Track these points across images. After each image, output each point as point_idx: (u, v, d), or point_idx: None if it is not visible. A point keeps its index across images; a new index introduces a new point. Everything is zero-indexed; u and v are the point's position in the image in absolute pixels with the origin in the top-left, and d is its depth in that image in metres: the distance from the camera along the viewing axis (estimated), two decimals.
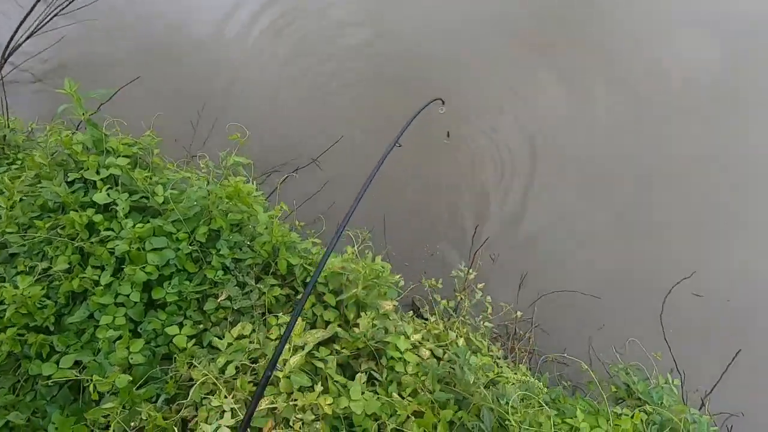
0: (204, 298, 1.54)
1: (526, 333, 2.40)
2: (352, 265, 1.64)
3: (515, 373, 1.69)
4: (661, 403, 1.59)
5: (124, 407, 1.21)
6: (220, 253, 1.57)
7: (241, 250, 1.61)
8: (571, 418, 1.38)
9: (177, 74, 3.79)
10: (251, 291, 1.55)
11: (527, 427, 1.22)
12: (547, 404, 1.50)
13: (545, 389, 1.65)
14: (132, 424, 1.19)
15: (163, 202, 1.63)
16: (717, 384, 2.01)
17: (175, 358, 1.35)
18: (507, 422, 1.25)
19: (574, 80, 3.78)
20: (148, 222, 1.57)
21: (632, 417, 1.58)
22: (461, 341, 1.75)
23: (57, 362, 1.33)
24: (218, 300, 1.52)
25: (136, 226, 1.51)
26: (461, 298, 2.06)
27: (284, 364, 1.26)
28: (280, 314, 1.50)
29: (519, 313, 2.32)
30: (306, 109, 3.87)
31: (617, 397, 1.70)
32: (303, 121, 3.74)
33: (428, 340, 1.68)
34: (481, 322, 2.06)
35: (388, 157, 1.47)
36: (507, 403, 1.31)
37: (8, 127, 2.33)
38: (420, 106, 1.72)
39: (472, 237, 2.50)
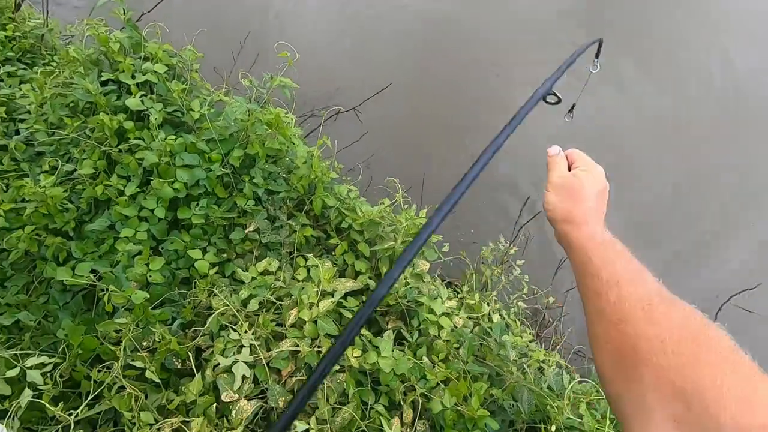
0: (231, 227, 1.43)
1: (554, 321, 2.26)
2: (393, 215, 1.51)
3: (550, 358, 1.57)
4: None
5: (137, 325, 1.13)
6: (254, 181, 1.44)
7: (275, 181, 1.49)
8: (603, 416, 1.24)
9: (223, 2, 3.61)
10: (281, 227, 1.43)
11: (570, 416, 1.10)
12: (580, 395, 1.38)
13: (576, 379, 1.52)
14: (144, 343, 1.11)
15: (198, 119, 1.51)
16: None
17: (195, 283, 1.26)
18: (548, 406, 1.12)
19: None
20: (181, 137, 1.44)
21: None
22: (496, 317, 1.62)
23: (73, 268, 1.25)
24: (246, 231, 1.41)
25: (168, 138, 1.39)
26: (500, 272, 1.92)
27: (311, 308, 1.14)
28: (310, 255, 1.38)
29: (552, 299, 2.18)
30: (351, 55, 3.67)
31: None
32: (346, 67, 3.56)
33: (461, 310, 1.56)
34: (515, 301, 1.92)
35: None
36: (549, 387, 1.19)
37: (47, 26, 2.21)
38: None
39: (520, 209, 2.33)
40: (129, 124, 1.44)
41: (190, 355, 1.05)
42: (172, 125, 1.56)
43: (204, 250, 1.35)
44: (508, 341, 1.40)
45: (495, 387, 1.23)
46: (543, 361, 1.39)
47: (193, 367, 1.05)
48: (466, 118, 3.32)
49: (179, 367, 1.11)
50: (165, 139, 1.40)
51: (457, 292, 1.78)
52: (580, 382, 1.46)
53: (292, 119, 1.65)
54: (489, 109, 3.33)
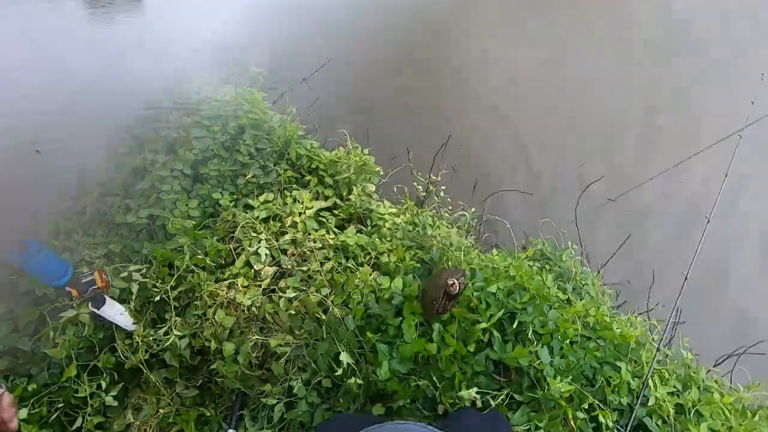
0: (236, 176, 2.07)
1: (477, 225, 3.05)
2: (346, 156, 2.18)
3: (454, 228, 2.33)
4: (561, 259, 2.27)
5: (191, 243, 1.79)
6: (246, 142, 2.08)
7: (261, 141, 2.12)
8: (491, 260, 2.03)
9: None
10: (270, 171, 2.09)
11: (464, 258, 1.86)
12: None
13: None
14: (198, 250, 1.77)
15: (199, 102, 2.10)
16: (611, 258, 2.73)
17: (221, 211, 1.91)
18: (447, 257, 1.88)
19: None
20: (188, 117, 2.04)
21: (540, 270, 2.26)
22: (429, 219, 2.36)
23: (135, 214, 1.87)
24: (246, 177, 2.05)
25: (183, 118, 2.00)
26: (431, 189, 2.65)
27: (300, 215, 1.84)
28: (294, 187, 2.05)
29: (473, 209, 2.95)
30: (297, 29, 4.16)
31: (532, 258, 2.37)
32: (293, 41, 4.06)
33: (403, 215, 2.28)
34: (444, 212, 2.68)
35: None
36: (450, 244, 1.95)
37: None
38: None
39: (439, 151, 3.04)
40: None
41: (231, 250, 1.73)
42: (177, 110, 2.14)
43: (221, 193, 2.00)
44: (429, 228, 2.15)
45: (421, 251, 1.97)
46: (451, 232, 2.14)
47: (234, 257, 1.73)
48: (403, 79, 3.95)
49: (222, 261, 1.79)
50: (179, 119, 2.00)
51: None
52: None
53: (262, 95, 2.26)
54: (423, 71, 3.96)
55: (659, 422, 1.68)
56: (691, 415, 1.72)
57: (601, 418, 1.61)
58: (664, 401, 1.67)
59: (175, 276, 1.68)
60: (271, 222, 1.85)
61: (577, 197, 2.91)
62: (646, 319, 2.21)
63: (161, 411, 1.71)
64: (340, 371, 1.46)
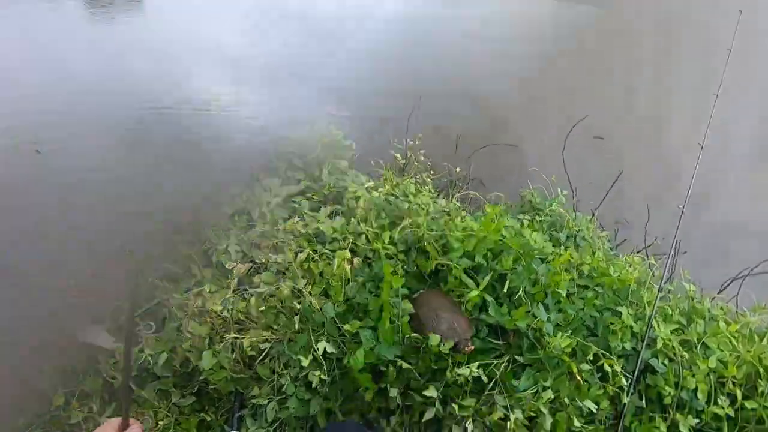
0: None
1: (465, 185, 2.94)
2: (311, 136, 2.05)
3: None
4: (551, 209, 2.18)
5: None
6: None
7: None
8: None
9: None
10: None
11: (439, 232, 1.77)
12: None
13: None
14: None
15: None
16: (604, 199, 2.63)
17: None
18: (424, 235, 1.78)
19: None
20: None
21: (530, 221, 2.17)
22: (411, 187, 2.25)
23: None
24: None
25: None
26: (410, 156, 2.53)
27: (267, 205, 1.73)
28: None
29: (458, 169, 2.83)
30: None
31: (522, 211, 2.28)
32: None
33: (383, 188, 2.16)
34: (426, 177, 2.56)
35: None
36: (427, 213, 1.85)
37: None
38: None
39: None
40: None
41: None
42: None
43: None
44: (412, 196, 2.04)
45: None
46: (432, 203, 2.04)
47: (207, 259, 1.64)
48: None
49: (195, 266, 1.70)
50: None
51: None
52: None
53: None
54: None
55: (666, 362, 1.63)
56: (698, 348, 1.67)
57: (606, 367, 1.56)
58: (669, 340, 1.62)
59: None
60: (241, 216, 1.75)
61: (563, 142, 2.79)
62: (645, 257, 2.14)
63: (160, 423, 1.66)
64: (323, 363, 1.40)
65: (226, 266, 1.58)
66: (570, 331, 1.54)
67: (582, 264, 1.79)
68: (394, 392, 1.47)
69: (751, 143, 3.60)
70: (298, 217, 1.76)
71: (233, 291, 1.55)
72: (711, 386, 1.58)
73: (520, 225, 2.07)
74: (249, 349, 1.46)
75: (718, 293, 2.68)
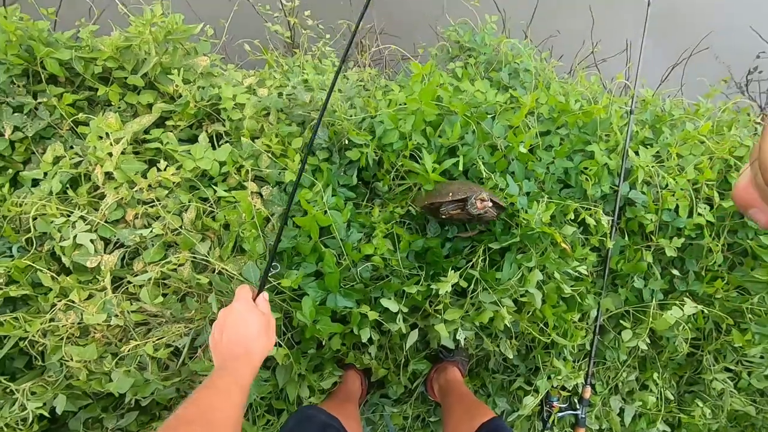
0: None
1: (374, 42, 2.36)
2: (142, 27, 1.37)
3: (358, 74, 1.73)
4: (484, 43, 1.74)
5: None
6: None
7: None
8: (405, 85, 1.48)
9: None
10: (36, 109, 1.31)
11: (361, 120, 1.32)
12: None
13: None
14: None
15: None
16: (534, 14, 2.19)
17: None
18: (341, 127, 1.32)
19: None
20: None
21: (464, 67, 1.74)
22: (309, 69, 1.69)
23: None
24: (7, 136, 1.28)
25: None
26: (294, 23, 1.89)
27: (111, 157, 1.18)
28: (89, 117, 1.31)
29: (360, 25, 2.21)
30: None
31: (451, 57, 1.83)
32: None
33: (269, 80, 1.60)
34: (323, 47, 1.97)
35: None
36: (349, 105, 1.37)
37: None
38: None
39: None
40: None
41: (45, 262, 1.13)
42: None
43: None
44: (316, 81, 1.52)
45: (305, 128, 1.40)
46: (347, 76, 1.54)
47: (54, 263, 1.14)
48: None
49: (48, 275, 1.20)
50: None
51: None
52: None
53: None
54: None
55: (644, 189, 1.46)
56: (671, 161, 1.50)
57: (588, 219, 1.36)
58: (649, 165, 1.41)
59: None
60: (79, 189, 1.19)
61: None
62: (597, 72, 1.85)
63: None
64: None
65: (87, 265, 1.10)
66: (546, 197, 1.27)
67: (538, 106, 1.45)
68: (365, 334, 1.22)
69: None
70: (165, 161, 1.23)
71: (112, 291, 1.10)
72: (691, 199, 1.45)
73: (455, 77, 1.65)
74: (162, 353, 1.10)
75: (661, 83, 2.53)
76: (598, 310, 1.45)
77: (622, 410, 1.60)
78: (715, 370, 1.56)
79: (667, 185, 1.46)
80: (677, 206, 1.44)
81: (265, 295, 0.95)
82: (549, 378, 1.46)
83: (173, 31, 1.38)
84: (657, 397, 1.56)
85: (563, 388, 1.51)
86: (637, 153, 1.42)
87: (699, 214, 1.44)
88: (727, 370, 1.58)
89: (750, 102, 2.63)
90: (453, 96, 1.38)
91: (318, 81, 1.51)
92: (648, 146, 1.50)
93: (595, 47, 2.34)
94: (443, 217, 1.18)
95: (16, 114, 1.29)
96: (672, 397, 1.60)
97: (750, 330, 1.43)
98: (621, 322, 1.48)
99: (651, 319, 1.42)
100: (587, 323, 1.48)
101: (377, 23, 2.36)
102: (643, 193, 1.44)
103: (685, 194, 1.45)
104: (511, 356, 1.42)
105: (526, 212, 1.22)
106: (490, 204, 1.11)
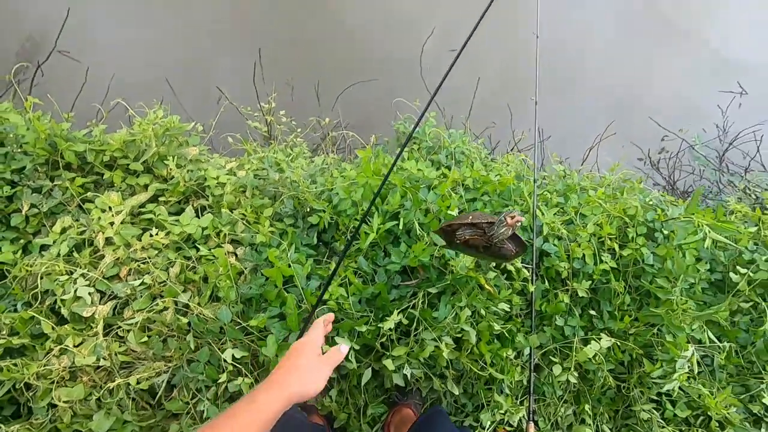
0: (8, 218, 1.54)
1: (340, 135, 2.81)
2: (141, 129, 1.72)
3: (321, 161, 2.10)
4: (425, 133, 2.16)
5: None
6: None
7: (15, 159, 1.57)
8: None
9: None
10: (52, 190, 1.59)
11: (321, 193, 1.65)
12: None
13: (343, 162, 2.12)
14: None
15: None
16: (471, 111, 2.70)
17: (9, 270, 1.44)
18: (304, 198, 1.65)
19: None
20: None
21: (410, 152, 2.14)
22: (280, 155, 2.06)
23: None
24: (24, 212, 1.54)
25: None
26: (271, 120, 2.30)
27: (112, 226, 1.44)
28: (96, 195, 1.59)
29: (327, 119, 2.67)
30: None
31: (400, 144, 2.24)
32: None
33: (247, 164, 1.94)
34: (295, 138, 2.37)
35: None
36: (311, 181, 1.71)
37: None
38: None
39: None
40: None
41: (45, 316, 1.33)
42: None
43: None
44: (285, 165, 1.87)
45: (276, 203, 1.72)
46: (308, 161, 1.90)
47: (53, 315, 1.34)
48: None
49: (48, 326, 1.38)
50: None
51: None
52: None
53: None
54: None
55: (555, 242, 1.77)
56: (578, 220, 1.84)
57: (509, 266, 1.65)
58: (553, 222, 1.75)
59: None
60: (82, 251, 1.43)
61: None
62: (518, 152, 2.27)
63: None
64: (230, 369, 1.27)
65: (83, 315, 1.30)
66: None
67: (465, 179, 1.81)
68: None
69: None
70: (157, 228, 1.50)
71: (103, 335, 1.29)
72: (594, 249, 1.77)
73: (402, 159, 2.03)
74: (143, 386, 1.26)
75: (582, 165, 3.00)
76: (530, 348, 1.67)
77: None
78: (641, 402, 1.75)
79: (576, 239, 1.79)
80: (584, 255, 1.75)
81: (344, 348, 0.96)
82: (492, 413, 1.62)
83: (170, 128, 1.74)
84: (593, 430, 1.72)
85: (508, 424, 1.67)
86: (543, 213, 1.77)
87: (603, 261, 1.75)
88: (653, 401, 1.77)
89: (658, 174, 3.12)
90: (395, 173, 1.73)
91: (286, 163, 1.86)
92: (555, 207, 1.85)
93: (522, 134, 2.85)
94: (457, 241, 1.15)
95: (34, 194, 1.57)
96: (608, 431, 1.75)
97: (659, 359, 1.66)
98: (551, 358, 1.70)
99: (575, 354, 1.65)
100: (522, 360, 1.69)
101: (342, 119, 2.83)
102: (555, 245, 1.75)
103: (590, 245, 1.77)
104: (457, 392, 1.60)
105: (454, 260, 1.50)
106: (520, 222, 1.06)
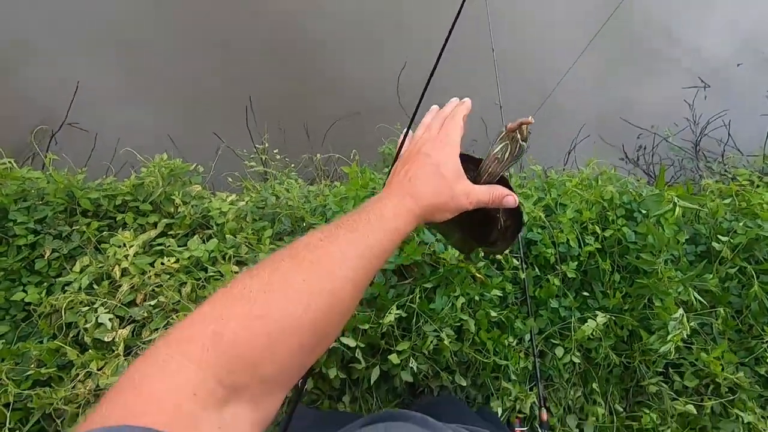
0: (31, 263, 1.68)
1: (332, 168, 3.00)
2: (152, 170, 1.90)
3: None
4: None
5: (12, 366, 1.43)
6: (18, 222, 1.67)
7: (36, 210, 1.73)
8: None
9: None
10: (71, 235, 1.74)
11: (315, 211, 1.79)
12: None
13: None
14: (29, 367, 1.43)
15: None
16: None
17: (35, 309, 1.55)
18: (301, 216, 1.79)
19: None
20: None
21: None
22: (277, 187, 2.22)
23: None
24: (45, 257, 1.68)
25: None
26: (265, 159, 2.48)
27: (126, 258, 1.57)
28: (111, 235, 1.74)
29: (318, 155, 2.87)
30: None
31: (386, 165, 2.41)
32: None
33: (246, 197, 2.10)
34: (289, 172, 2.55)
35: None
36: (305, 201, 1.86)
37: None
38: None
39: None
40: None
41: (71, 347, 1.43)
42: None
43: (24, 291, 1.61)
44: (282, 192, 2.03)
45: (275, 225, 1.86)
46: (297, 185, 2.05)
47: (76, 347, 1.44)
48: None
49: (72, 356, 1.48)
50: None
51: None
52: None
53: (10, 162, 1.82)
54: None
55: (539, 230, 1.88)
56: (557, 209, 1.96)
57: (498, 255, 1.75)
58: (534, 211, 1.87)
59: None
60: (101, 284, 1.56)
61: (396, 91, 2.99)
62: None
63: None
64: None
65: (105, 339, 1.40)
66: None
67: None
68: (332, 373, 1.48)
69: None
70: (167, 257, 1.63)
71: (124, 356, 1.39)
72: (577, 233, 1.87)
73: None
74: None
75: (565, 165, 3.16)
76: (531, 332, 1.74)
77: (581, 429, 1.75)
78: (648, 376, 1.78)
79: (557, 226, 1.90)
80: (568, 240, 1.85)
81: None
82: (502, 401, 1.66)
83: (175, 170, 1.92)
84: (605, 410, 1.74)
85: (520, 412, 1.70)
86: (523, 204, 1.89)
87: (587, 244, 1.85)
88: (660, 374, 1.80)
89: (638, 169, 3.26)
90: (383, 187, 1.88)
91: (281, 190, 2.01)
92: (535, 203, 1.98)
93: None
94: (482, 173, 0.87)
95: (55, 240, 1.71)
96: (621, 410, 1.77)
97: (655, 328, 1.72)
98: (552, 341, 1.75)
99: (574, 334, 1.71)
100: (524, 346, 1.75)
101: (333, 151, 3.02)
102: (539, 233, 1.86)
103: (573, 230, 1.87)
104: (464, 384, 1.65)
105: (444, 252, 1.61)
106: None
